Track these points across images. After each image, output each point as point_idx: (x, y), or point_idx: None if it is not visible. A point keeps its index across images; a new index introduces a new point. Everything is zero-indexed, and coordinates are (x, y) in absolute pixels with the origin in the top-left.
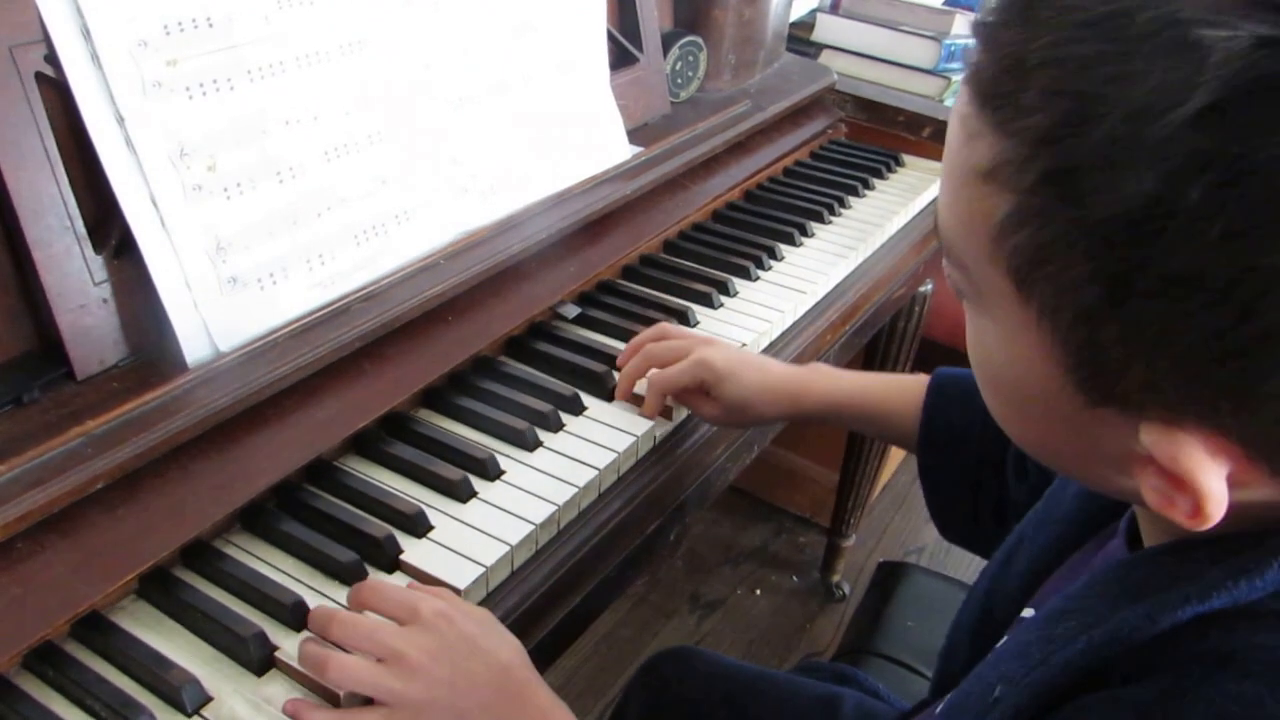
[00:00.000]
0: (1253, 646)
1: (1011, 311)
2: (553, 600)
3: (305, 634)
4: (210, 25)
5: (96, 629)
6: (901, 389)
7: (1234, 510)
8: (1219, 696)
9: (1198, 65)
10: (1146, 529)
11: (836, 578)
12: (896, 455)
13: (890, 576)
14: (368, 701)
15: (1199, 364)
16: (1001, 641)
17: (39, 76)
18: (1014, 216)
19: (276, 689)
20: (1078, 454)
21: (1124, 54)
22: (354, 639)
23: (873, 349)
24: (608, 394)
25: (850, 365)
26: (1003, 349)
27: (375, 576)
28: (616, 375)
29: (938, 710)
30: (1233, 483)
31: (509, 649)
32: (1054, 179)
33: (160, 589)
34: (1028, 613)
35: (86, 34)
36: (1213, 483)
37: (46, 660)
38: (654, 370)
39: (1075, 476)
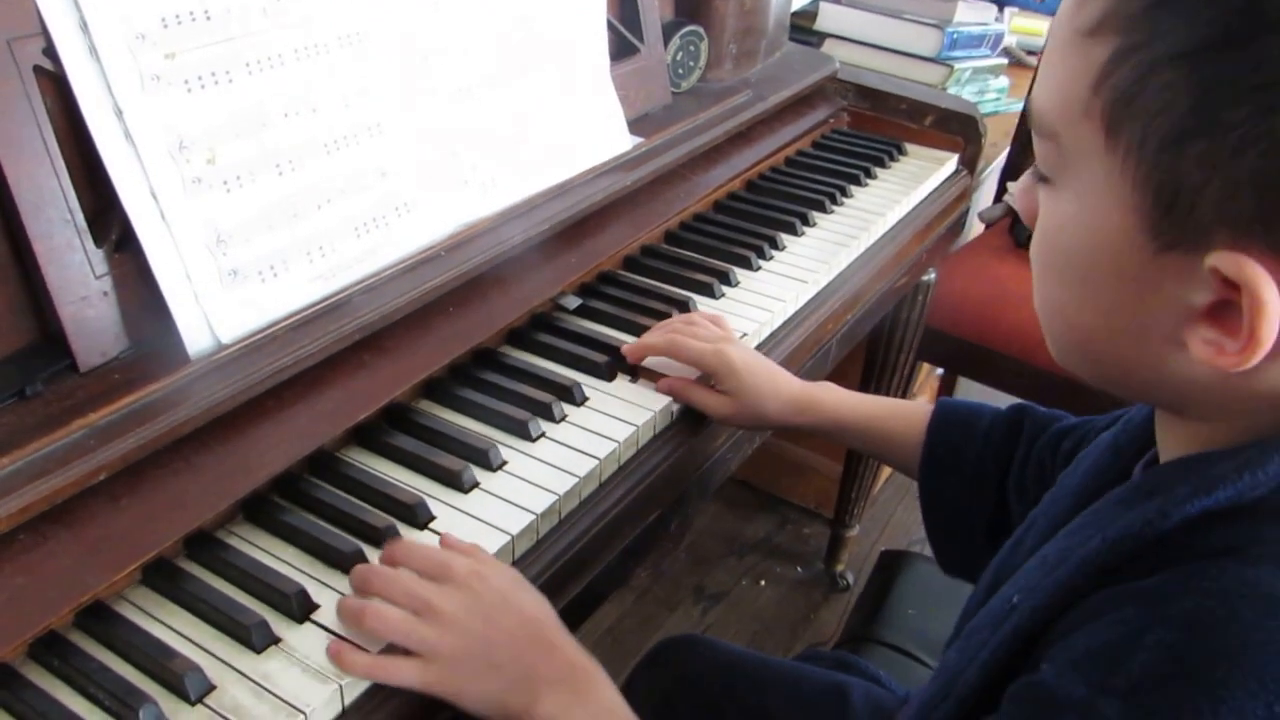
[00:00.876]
0: (1257, 539)
1: (1096, 167)
2: (555, 589)
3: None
4: (208, 18)
5: (100, 618)
6: (905, 413)
7: (1256, 402)
8: (1223, 579)
9: None
10: (1173, 447)
11: (840, 568)
12: None
13: (892, 565)
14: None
15: (1273, 172)
16: (1023, 566)
17: (38, 70)
18: (1115, 57)
19: (280, 675)
20: (1130, 330)
21: None
22: (391, 592)
23: (876, 338)
24: (609, 384)
25: (854, 354)
26: (1077, 218)
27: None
28: (620, 366)
29: (959, 639)
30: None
31: (539, 605)
32: (1158, 5)
33: (163, 579)
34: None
35: (85, 27)
36: (1273, 298)
37: (51, 649)
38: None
39: (1121, 368)
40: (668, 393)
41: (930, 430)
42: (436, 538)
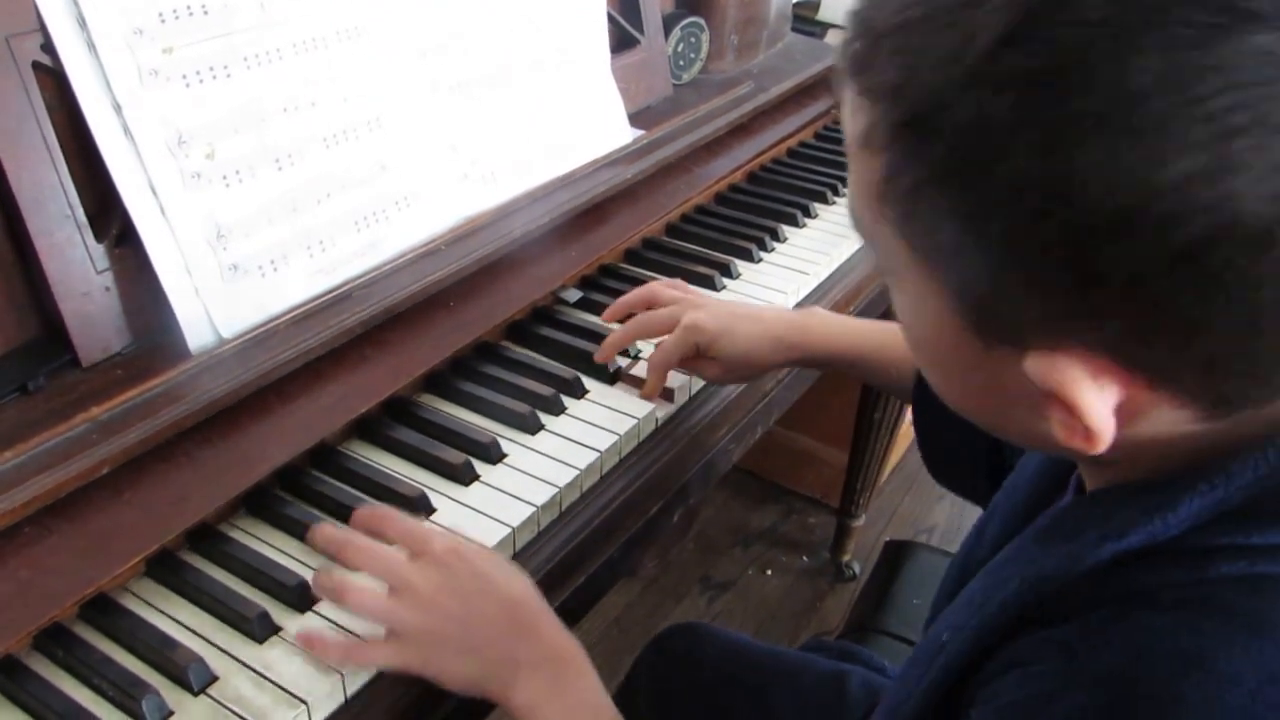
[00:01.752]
0: (1165, 584)
1: (908, 271)
2: (556, 581)
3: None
4: (206, 13)
5: (104, 610)
6: (897, 337)
7: (1155, 447)
8: (1134, 631)
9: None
10: (1089, 481)
11: (847, 558)
12: (906, 436)
13: (897, 555)
14: None
15: (1046, 278)
16: (957, 596)
17: (36, 66)
18: (885, 174)
19: (281, 666)
20: (998, 407)
21: (933, 11)
22: (368, 566)
23: None
24: (610, 377)
25: None
26: (913, 312)
27: None
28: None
29: (900, 669)
30: (1133, 410)
31: (520, 585)
32: (902, 128)
33: (166, 571)
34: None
35: (83, 23)
36: (1092, 402)
37: (55, 641)
38: (650, 351)
39: (1005, 433)
40: (649, 397)
41: None
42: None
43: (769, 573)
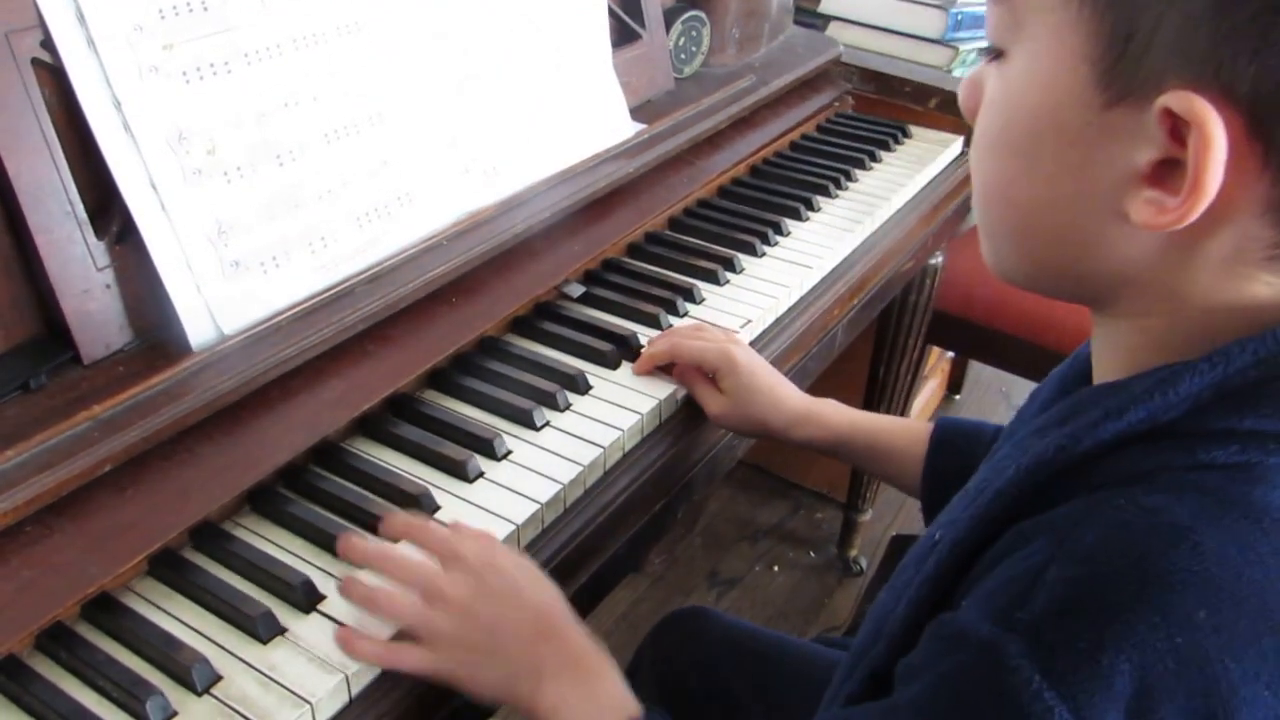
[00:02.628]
0: (1164, 465)
1: (1050, 20)
2: (561, 577)
3: (343, 571)
4: (205, 9)
5: (107, 610)
6: (907, 429)
7: (1182, 304)
8: (1124, 508)
9: None
10: (1099, 371)
11: (854, 553)
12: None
13: (904, 550)
14: None
15: (1226, 7)
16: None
17: (36, 62)
18: None
19: (286, 666)
20: (1072, 204)
21: None
22: (403, 576)
23: (884, 322)
24: (613, 372)
25: (863, 338)
26: (1026, 81)
27: None
28: (624, 355)
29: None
30: (1221, 208)
31: (548, 594)
32: None
33: (169, 570)
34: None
35: (82, 19)
36: (1222, 141)
37: (58, 641)
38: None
39: (1055, 264)
40: (679, 379)
41: (933, 445)
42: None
43: (776, 568)
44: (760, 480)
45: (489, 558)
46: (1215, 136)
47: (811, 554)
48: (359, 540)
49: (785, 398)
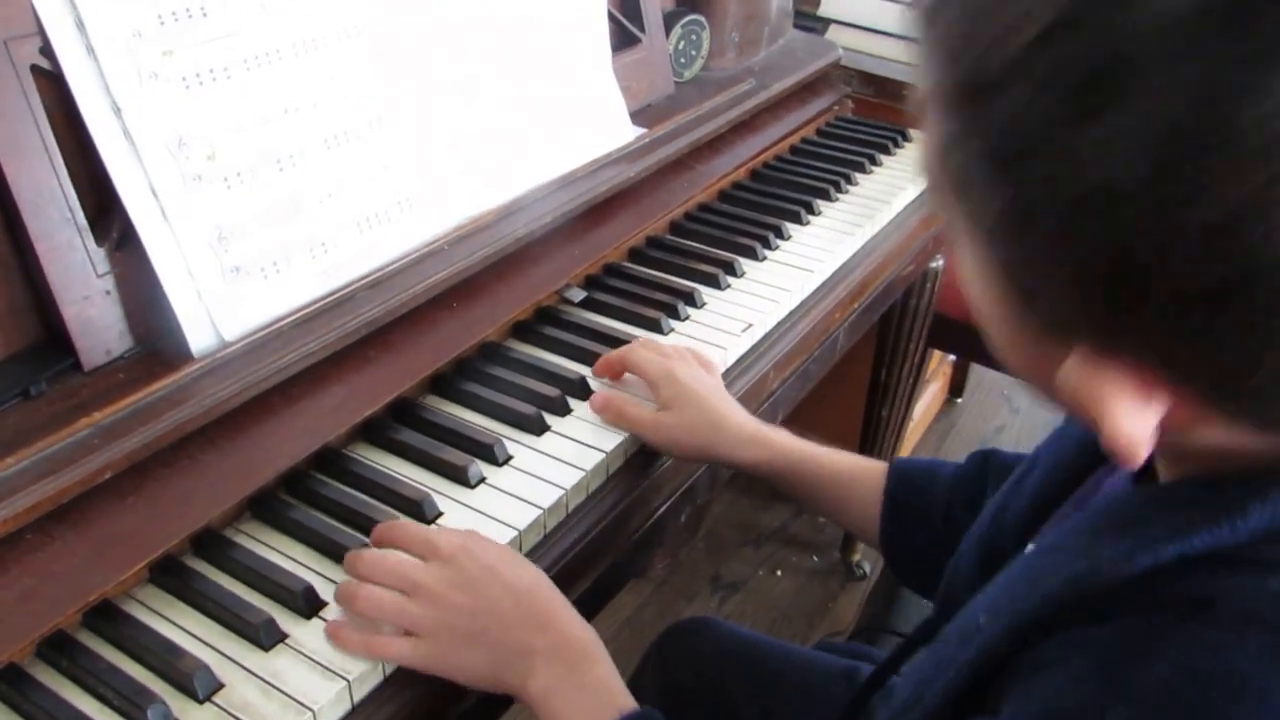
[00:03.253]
0: (1228, 593)
1: (966, 237)
2: (564, 583)
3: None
4: (205, 15)
5: (108, 618)
6: (859, 464)
7: (1214, 453)
8: (1186, 642)
9: None
10: (1161, 463)
11: (856, 557)
12: (913, 437)
13: None
14: None
15: (1091, 283)
16: (994, 579)
17: (35, 69)
18: (947, 139)
19: (288, 673)
20: (1045, 387)
21: None
22: (378, 573)
23: (886, 326)
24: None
25: (864, 342)
26: (970, 277)
27: None
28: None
29: (932, 645)
30: (1183, 423)
31: (529, 574)
32: (960, 95)
33: (171, 577)
34: (1030, 548)
35: (81, 26)
36: (1121, 421)
37: (59, 649)
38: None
39: (1059, 408)
40: (600, 409)
41: (891, 483)
42: None
43: (779, 573)
44: (762, 484)
45: (465, 544)
46: (1113, 421)
47: (814, 558)
48: (354, 554)
49: (730, 414)
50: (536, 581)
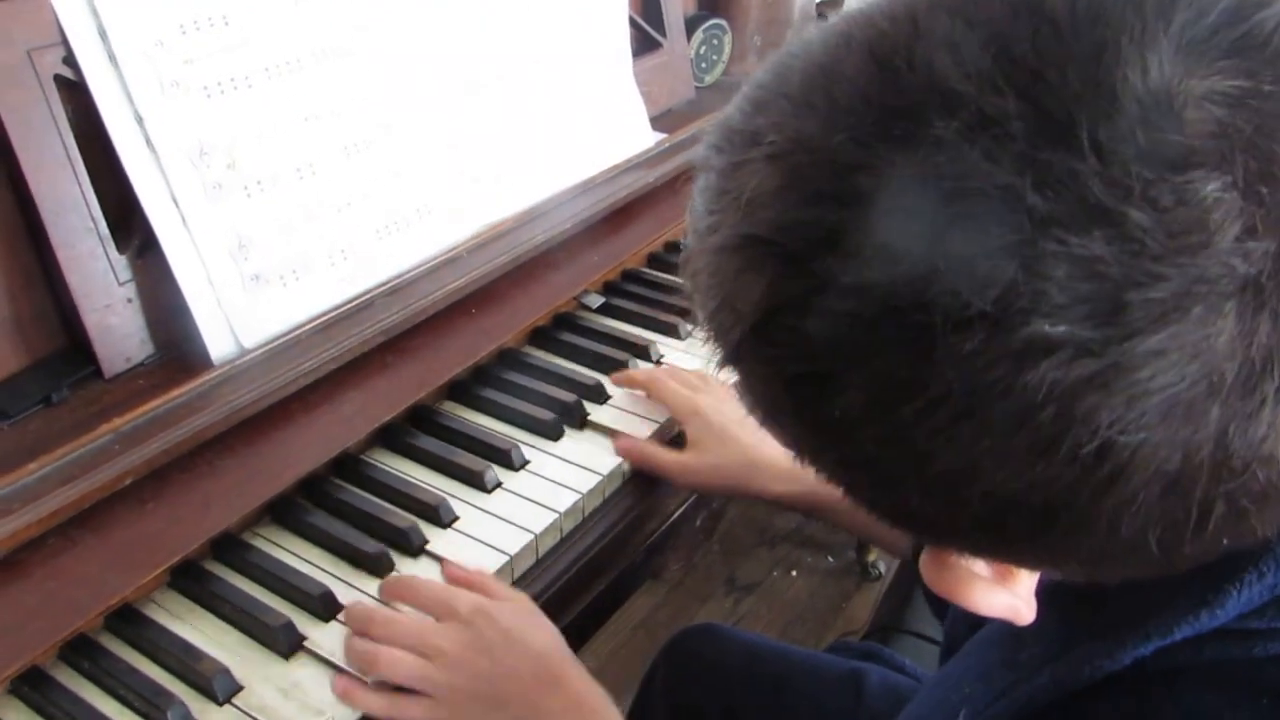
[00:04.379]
0: (1218, 661)
1: None
2: (579, 586)
3: (347, 632)
4: (226, 24)
5: (129, 621)
6: None
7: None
8: (1182, 712)
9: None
10: None
11: (871, 557)
12: None
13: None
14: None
15: (899, 522)
16: (957, 655)
17: (58, 79)
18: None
19: (306, 676)
20: None
21: (713, 286)
22: (396, 638)
23: None
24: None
25: None
26: None
27: (401, 565)
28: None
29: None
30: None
31: (545, 637)
32: (724, 363)
33: (190, 581)
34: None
35: (103, 35)
36: (988, 601)
37: (81, 652)
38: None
39: None
40: (624, 455)
41: None
42: (460, 538)
43: (794, 573)
44: None
45: (482, 606)
46: (973, 594)
47: (829, 559)
48: (358, 607)
49: (760, 450)
50: (551, 643)
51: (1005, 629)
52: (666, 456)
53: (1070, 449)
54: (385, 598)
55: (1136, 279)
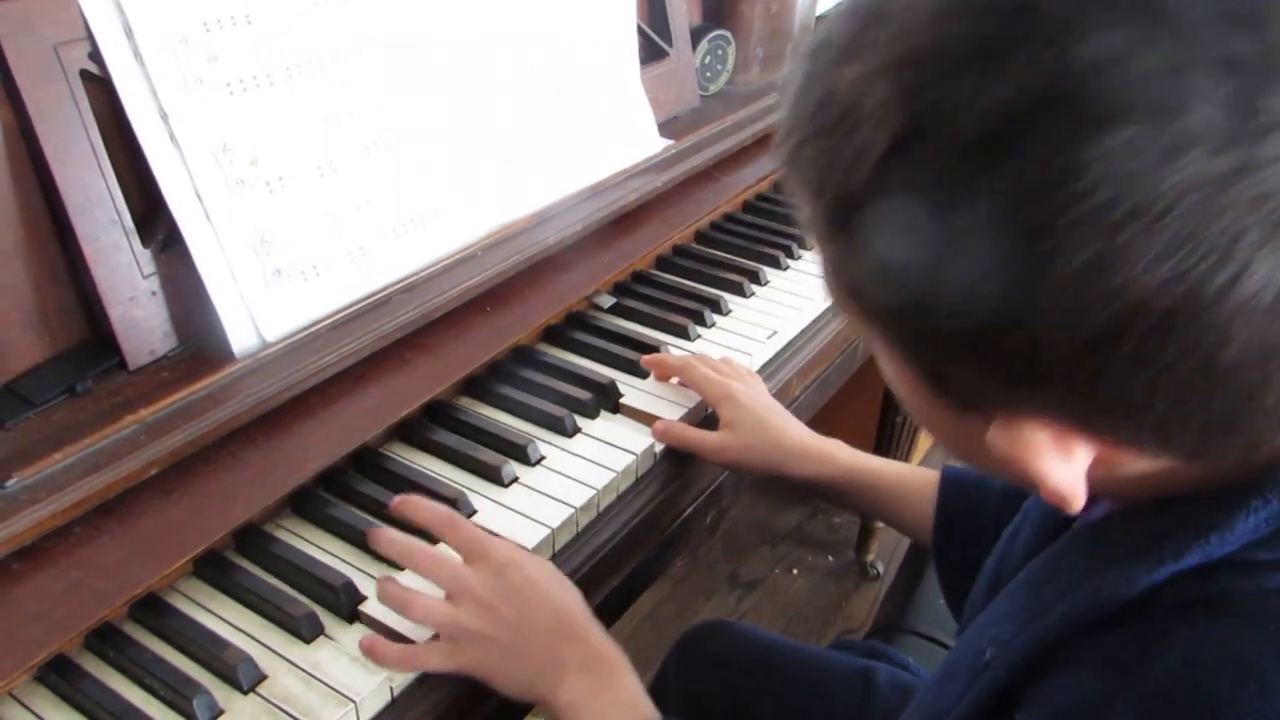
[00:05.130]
0: (1227, 591)
1: (876, 343)
2: (595, 580)
3: (381, 574)
4: (249, 22)
5: (154, 610)
6: (913, 474)
7: (1162, 480)
8: (1194, 635)
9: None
10: (1111, 501)
11: (870, 557)
12: (928, 438)
13: (922, 555)
14: None
15: (981, 360)
16: (985, 609)
17: (84, 74)
18: (836, 261)
19: (330, 665)
20: (988, 465)
21: (835, 121)
22: (430, 572)
23: None
24: (644, 381)
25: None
26: (890, 372)
27: None
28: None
29: (931, 678)
30: (1111, 464)
31: (571, 596)
32: (829, 224)
33: (214, 571)
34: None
35: (129, 32)
36: (1051, 472)
37: (107, 640)
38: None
39: (995, 475)
40: (661, 437)
41: (944, 493)
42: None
43: (795, 572)
44: (778, 485)
45: (515, 558)
46: (1043, 472)
47: (830, 558)
48: (392, 534)
49: (790, 433)
50: (576, 601)
51: (1027, 578)
52: (704, 437)
53: (1204, 247)
54: (425, 523)
55: (1273, 81)
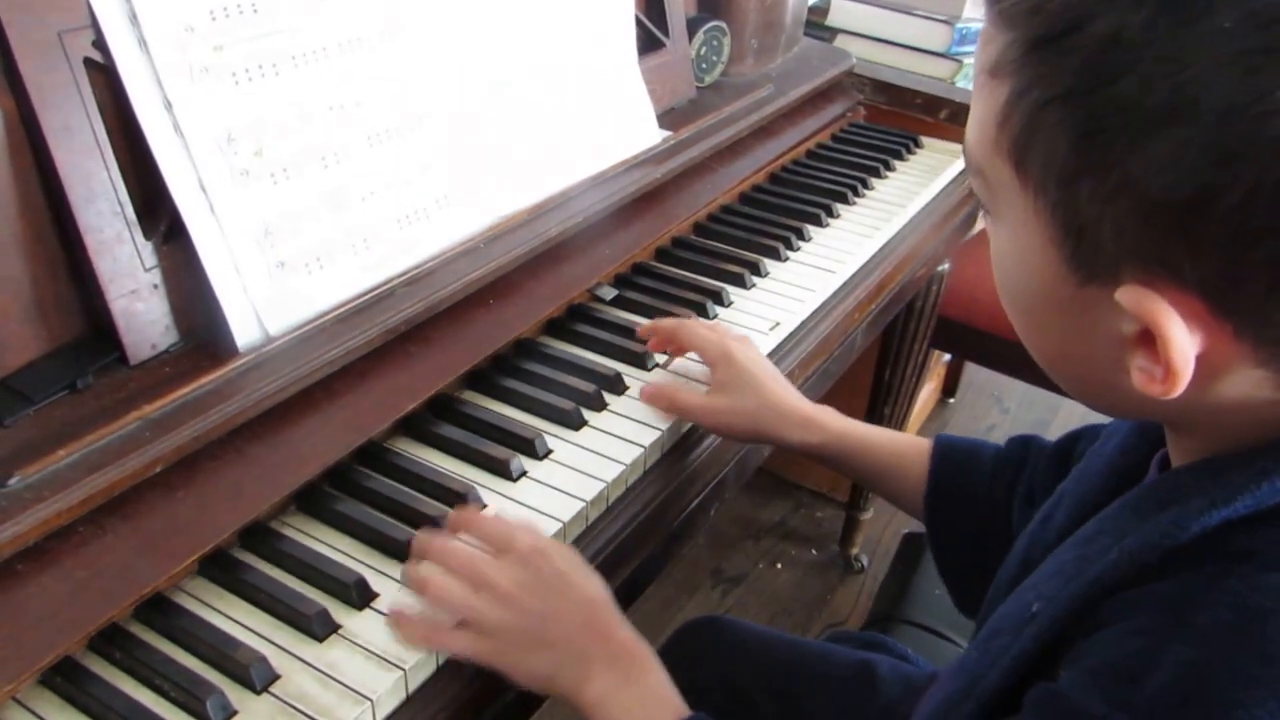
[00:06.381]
0: (1274, 544)
1: (1016, 203)
2: (606, 573)
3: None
4: (255, 11)
5: (160, 610)
6: (907, 443)
7: (1238, 414)
8: (1239, 586)
9: None
10: (1177, 455)
11: (855, 550)
12: (912, 428)
13: (915, 547)
14: None
15: (1154, 200)
16: (1038, 569)
17: (88, 62)
18: (1011, 98)
19: (344, 664)
20: (1080, 355)
21: None
22: (454, 563)
23: (891, 326)
24: (648, 373)
25: (871, 345)
26: (1013, 250)
27: None
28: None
29: (979, 637)
30: (1215, 365)
31: (595, 587)
32: (1035, 47)
33: (221, 570)
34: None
35: (134, 19)
36: (1178, 334)
37: (113, 642)
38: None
39: (1084, 389)
40: (650, 400)
41: (935, 462)
42: None
43: (779, 566)
44: (761, 479)
45: (540, 547)
46: (1171, 335)
47: (813, 551)
48: (422, 536)
49: (785, 397)
50: (601, 594)
51: (1076, 540)
52: (693, 399)
53: None
54: (451, 526)
55: None
